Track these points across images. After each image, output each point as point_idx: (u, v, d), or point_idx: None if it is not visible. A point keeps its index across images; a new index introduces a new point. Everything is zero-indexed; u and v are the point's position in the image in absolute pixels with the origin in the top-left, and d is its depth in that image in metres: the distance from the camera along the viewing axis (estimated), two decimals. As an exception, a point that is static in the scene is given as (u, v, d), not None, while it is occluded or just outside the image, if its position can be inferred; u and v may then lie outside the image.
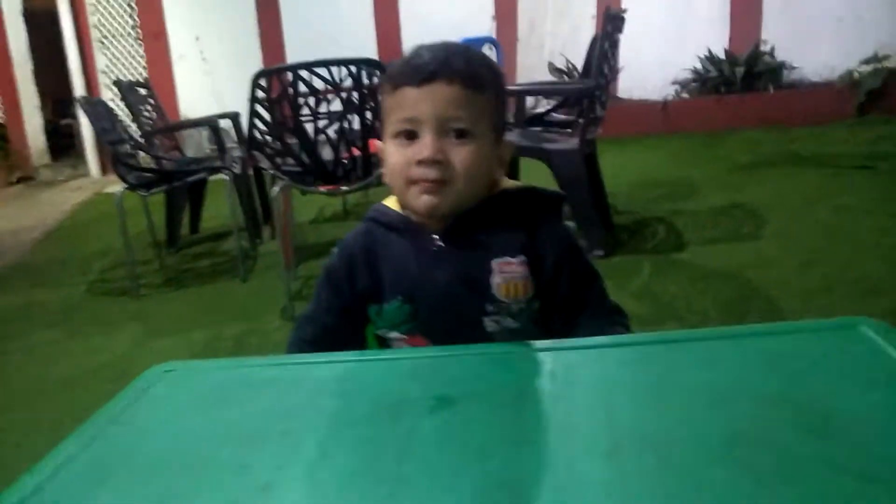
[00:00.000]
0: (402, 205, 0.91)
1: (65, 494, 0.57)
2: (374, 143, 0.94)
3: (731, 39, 5.93)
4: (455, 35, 5.45)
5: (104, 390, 2.23)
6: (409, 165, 0.84)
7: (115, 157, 3.16)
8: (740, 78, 5.57)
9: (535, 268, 0.87)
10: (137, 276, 3.28)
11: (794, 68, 5.67)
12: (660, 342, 0.71)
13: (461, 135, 0.84)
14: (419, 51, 0.87)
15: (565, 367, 0.68)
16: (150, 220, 3.54)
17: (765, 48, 5.72)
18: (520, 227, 0.89)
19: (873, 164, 3.89)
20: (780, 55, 5.68)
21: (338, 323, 0.93)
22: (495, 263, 0.86)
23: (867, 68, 5.30)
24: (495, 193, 0.90)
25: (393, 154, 0.86)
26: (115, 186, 3.23)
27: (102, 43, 7.14)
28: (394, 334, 0.91)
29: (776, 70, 5.62)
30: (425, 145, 0.83)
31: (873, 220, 3.04)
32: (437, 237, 0.88)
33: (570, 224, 0.96)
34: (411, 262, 0.89)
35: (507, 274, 0.86)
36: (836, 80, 5.49)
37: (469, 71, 0.85)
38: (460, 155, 0.84)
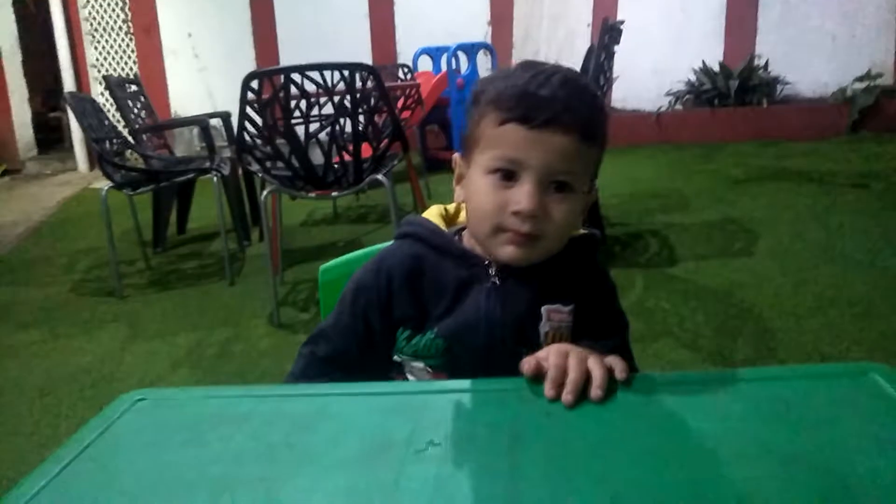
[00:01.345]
0: (478, 241, 0.82)
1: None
2: (454, 157, 0.85)
3: (725, 52, 5.94)
4: (450, 39, 5.42)
5: (84, 395, 2.20)
6: (501, 211, 0.76)
7: (101, 156, 3.10)
8: (734, 91, 5.57)
9: (578, 314, 0.82)
10: (122, 276, 3.23)
11: (787, 83, 5.69)
12: (661, 383, 0.67)
13: (562, 187, 0.77)
14: (536, 78, 0.76)
15: (562, 408, 0.64)
16: (137, 219, 3.48)
17: (759, 62, 5.73)
18: (571, 272, 0.83)
19: (866, 183, 3.89)
20: (774, 70, 5.69)
21: (353, 349, 0.85)
22: (545, 310, 0.81)
23: (860, 86, 5.33)
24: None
25: (484, 192, 0.78)
26: (103, 182, 3.17)
27: (93, 36, 7.06)
28: (419, 364, 0.83)
29: (770, 84, 5.63)
30: (525, 195, 0.75)
31: (866, 240, 3.03)
32: (494, 272, 0.82)
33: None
34: (464, 296, 0.82)
35: (555, 322, 0.81)
36: (830, 96, 5.51)
37: (589, 120, 0.76)
38: (559, 211, 0.77)
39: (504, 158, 0.76)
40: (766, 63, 5.70)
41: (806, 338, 2.21)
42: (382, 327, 0.84)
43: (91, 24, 7.04)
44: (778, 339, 2.22)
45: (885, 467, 0.52)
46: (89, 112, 3.26)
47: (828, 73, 5.59)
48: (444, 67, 5.16)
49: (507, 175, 0.76)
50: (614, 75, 3.32)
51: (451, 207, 0.92)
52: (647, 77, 5.97)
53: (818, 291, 2.54)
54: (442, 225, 0.87)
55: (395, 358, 0.85)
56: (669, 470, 0.54)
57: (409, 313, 0.83)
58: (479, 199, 0.78)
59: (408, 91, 3.38)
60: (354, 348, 0.85)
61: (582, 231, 0.87)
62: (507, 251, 0.78)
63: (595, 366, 0.66)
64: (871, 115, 5.19)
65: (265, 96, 2.51)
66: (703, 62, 5.85)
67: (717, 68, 5.80)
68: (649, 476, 0.54)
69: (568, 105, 0.75)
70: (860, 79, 5.35)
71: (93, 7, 7.01)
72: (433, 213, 0.89)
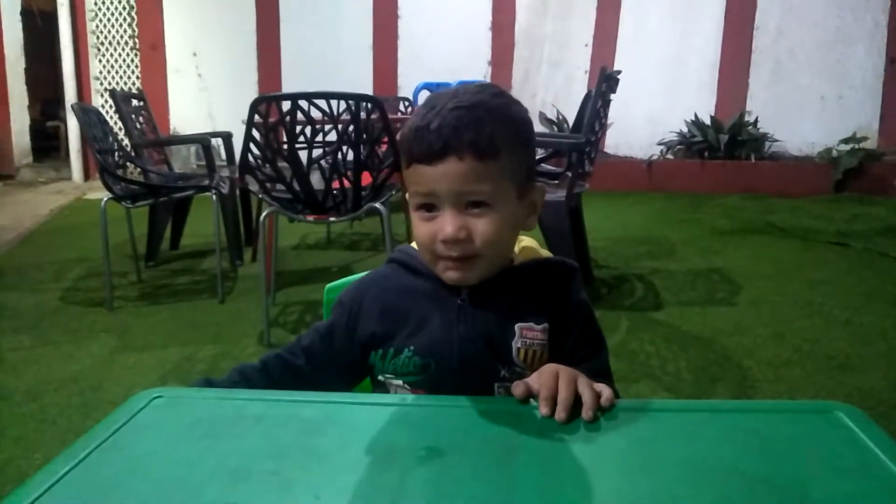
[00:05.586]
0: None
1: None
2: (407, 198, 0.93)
3: (717, 106, 6.12)
4: (450, 76, 5.55)
5: (72, 403, 2.22)
6: (433, 241, 0.83)
7: (102, 167, 3.15)
8: (724, 145, 5.73)
9: (554, 337, 0.87)
10: (113, 287, 3.24)
11: (775, 141, 5.85)
12: (644, 410, 0.73)
13: (478, 205, 0.82)
14: (427, 116, 0.82)
15: (554, 427, 0.69)
16: (132, 231, 3.52)
17: (749, 118, 5.90)
18: (544, 294, 0.89)
19: (847, 242, 4.00)
20: (764, 126, 5.87)
21: (316, 344, 0.92)
22: (518, 327, 0.86)
23: (845, 148, 5.49)
24: (527, 263, 0.90)
25: (418, 226, 0.85)
26: (97, 193, 3.22)
27: (98, 49, 7.16)
28: (398, 381, 0.88)
29: (759, 141, 5.80)
30: (446, 223, 0.82)
31: (845, 296, 3.12)
32: (463, 293, 0.87)
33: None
34: (434, 314, 0.87)
35: (528, 339, 0.86)
36: (816, 156, 5.68)
37: (479, 141, 0.80)
38: (483, 226, 0.82)
39: (420, 194, 0.84)
40: (756, 120, 5.88)
41: (782, 388, 2.28)
42: (344, 347, 0.91)
43: (97, 38, 7.14)
44: (756, 388, 2.28)
45: (841, 491, 0.58)
46: (94, 123, 3.31)
47: (815, 133, 5.77)
48: (443, 103, 5.27)
49: (429, 207, 0.84)
50: (609, 122, 3.44)
51: None
52: (640, 125, 6.13)
53: (796, 344, 2.61)
54: None
55: (379, 378, 0.90)
56: (650, 485, 0.60)
57: (375, 331, 0.89)
58: (417, 233, 0.86)
59: (408, 124, 3.47)
60: (318, 342, 0.92)
61: (556, 258, 0.94)
62: (449, 275, 0.85)
63: (585, 388, 0.72)
64: (854, 176, 5.35)
65: (272, 120, 2.58)
66: (696, 115, 6.02)
67: (708, 121, 5.97)
68: (632, 489, 0.59)
69: (455, 131, 0.80)
70: (845, 141, 5.52)
71: (100, 21, 7.13)
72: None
